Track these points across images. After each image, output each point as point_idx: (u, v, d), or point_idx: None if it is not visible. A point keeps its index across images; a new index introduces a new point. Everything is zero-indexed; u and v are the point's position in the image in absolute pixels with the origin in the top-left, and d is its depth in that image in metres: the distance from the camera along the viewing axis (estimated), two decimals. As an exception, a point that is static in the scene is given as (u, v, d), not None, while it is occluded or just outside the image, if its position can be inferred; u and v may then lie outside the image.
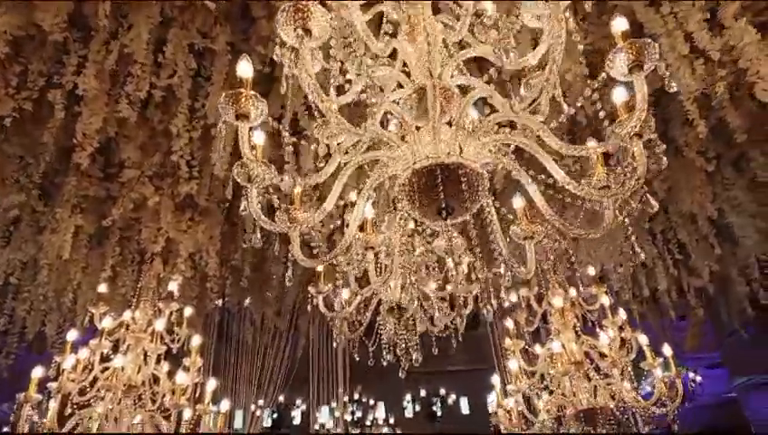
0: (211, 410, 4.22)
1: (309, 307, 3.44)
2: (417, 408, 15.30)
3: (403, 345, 3.43)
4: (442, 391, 15.21)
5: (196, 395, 4.26)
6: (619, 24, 1.72)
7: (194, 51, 3.96)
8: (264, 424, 12.18)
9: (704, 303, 6.91)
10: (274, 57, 1.75)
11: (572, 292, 4.63)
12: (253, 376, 8.15)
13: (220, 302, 6.49)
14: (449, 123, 1.91)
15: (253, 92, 1.73)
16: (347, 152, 2.03)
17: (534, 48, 2.04)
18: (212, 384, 4.27)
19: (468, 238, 2.66)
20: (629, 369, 4.14)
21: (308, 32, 1.62)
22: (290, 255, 2.03)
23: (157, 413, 4.05)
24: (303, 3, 1.66)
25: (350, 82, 2.19)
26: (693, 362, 11.96)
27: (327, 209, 1.91)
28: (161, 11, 3.75)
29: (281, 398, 10.78)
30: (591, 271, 4.66)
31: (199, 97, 4.19)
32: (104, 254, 4.99)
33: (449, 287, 3.49)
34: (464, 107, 1.88)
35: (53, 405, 3.78)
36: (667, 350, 4.08)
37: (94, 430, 3.83)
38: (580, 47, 1.81)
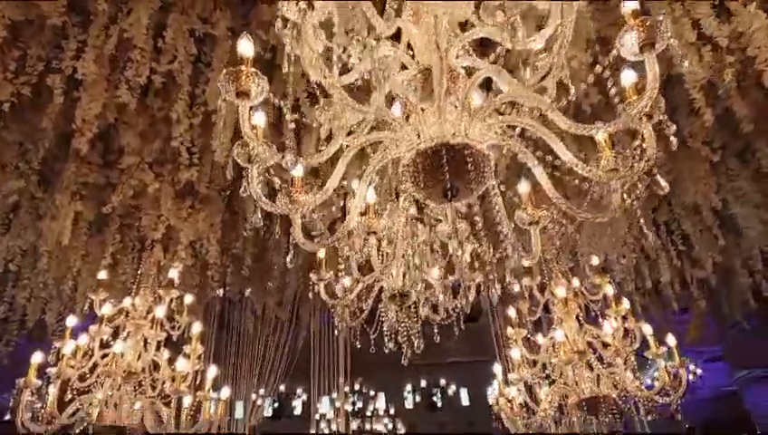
0: (211, 396, 4.20)
1: (310, 295, 3.42)
2: (418, 398, 15.35)
3: (405, 333, 3.41)
4: (442, 382, 15.26)
5: (197, 382, 4.24)
6: (630, 4, 1.68)
7: (194, 36, 3.91)
8: (265, 413, 12.22)
9: (706, 294, 6.88)
10: (275, 30, 1.70)
11: (575, 282, 4.60)
12: (254, 366, 8.15)
13: (221, 292, 6.47)
14: (455, 105, 1.88)
15: (253, 69, 1.69)
16: (350, 133, 1.99)
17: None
18: (212, 371, 4.26)
19: (472, 224, 2.62)
20: (633, 359, 4.11)
21: (311, 5, 1.58)
22: (291, 238, 2.01)
23: (157, 400, 4.04)
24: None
25: (352, 65, 2.15)
26: (693, 356, 11.94)
27: (329, 191, 1.88)
28: (161, -5, 3.71)
29: (282, 387, 10.80)
30: (595, 261, 4.63)
31: (200, 83, 4.14)
32: (104, 241, 4.96)
33: (452, 277, 3.46)
34: (470, 87, 1.84)
35: (53, 391, 3.76)
36: (671, 339, 4.05)
37: (94, 416, 3.82)
38: (591, 25, 1.77)
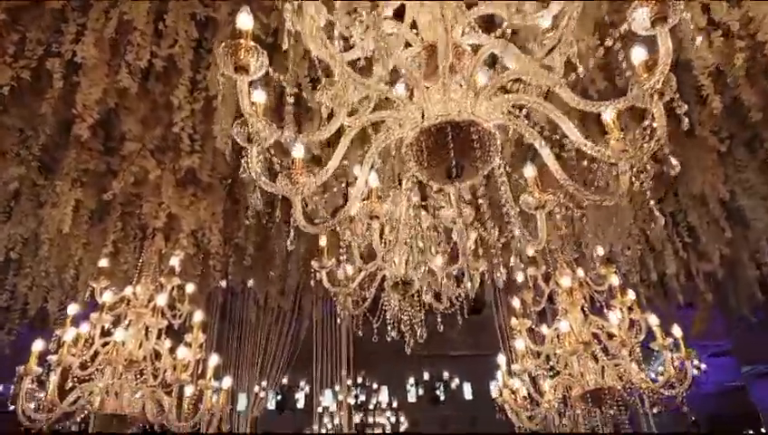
0: (213, 385, 4.18)
1: (312, 283, 3.39)
2: (421, 392, 15.34)
3: (408, 322, 3.37)
4: (445, 375, 15.24)
5: (199, 371, 4.22)
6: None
7: (195, 20, 3.85)
8: (269, 406, 12.23)
9: (712, 287, 6.82)
10: (276, 4, 1.65)
11: (580, 272, 4.55)
12: (256, 357, 8.13)
13: (224, 283, 6.44)
14: (460, 84, 1.83)
15: (253, 43, 1.64)
16: (351, 114, 1.94)
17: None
18: (214, 360, 4.23)
19: (477, 208, 2.57)
20: (638, 350, 4.06)
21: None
22: (292, 221, 1.96)
23: (158, 389, 4.01)
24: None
25: (354, 42, 2.10)
26: (697, 350, 11.90)
27: (329, 171, 1.83)
28: (162, -22, 3.66)
29: (284, 380, 10.80)
30: (600, 251, 4.57)
31: (201, 69, 4.09)
32: (105, 229, 4.93)
33: (455, 265, 3.41)
34: (476, 64, 1.79)
35: (54, 378, 3.74)
36: (677, 331, 4.00)
37: (96, 405, 3.80)
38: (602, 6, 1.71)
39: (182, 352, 3.94)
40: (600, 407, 4.02)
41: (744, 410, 10.81)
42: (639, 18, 1.59)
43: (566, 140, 1.77)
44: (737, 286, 7.19)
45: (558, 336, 4.21)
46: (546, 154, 1.88)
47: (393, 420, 12.49)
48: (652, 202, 1.68)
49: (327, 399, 10.20)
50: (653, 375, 4.97)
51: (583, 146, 1.75)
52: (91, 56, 3.67)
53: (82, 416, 3.89)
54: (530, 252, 4.30)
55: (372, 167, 2.14)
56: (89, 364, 3.94)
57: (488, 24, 2.40)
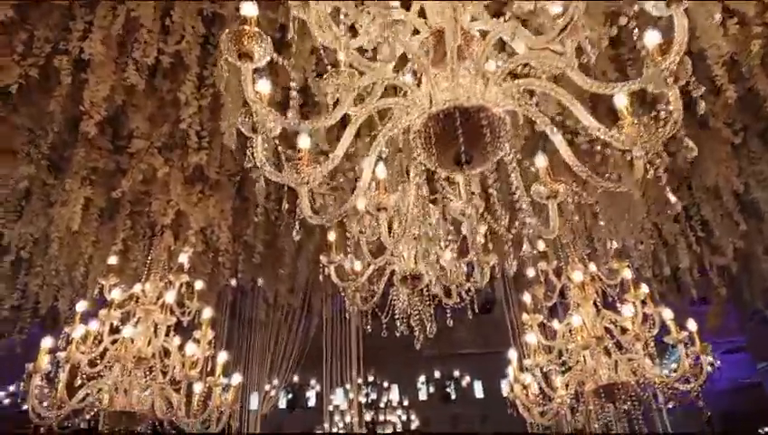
0: (222, 382, 4.16)
1: (321, 278, 3.36)
2: (432, 390, 15.30)
3: (417, 316, 3.34)
4: (456, 374, 15.19)
5: (208, 369, 4.21)
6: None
7: (202, 16, 3.84)
8: (280, 405, 12.25)
9: (726, 282, 6.72)
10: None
11: (592, 267, 4.49)
12: (266, 355, 8.13)
13: (233, 281, 6.43)
14: (468, 70, 1.79)
15: (257, 30, 1.61)
16: (355, 104, 1.91)
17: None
18: (222, 356, 4.21)
19: (486, 199, 2.53)
20: (652, 344, 4.00)
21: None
22: (297, 210, 1.93)
23: (167, 386, 4.01)
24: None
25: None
26: (711, 347, 11.78)
27: (336, 160, 1.80)
28: (168, -26, 3.65)
29: (295, 378, 10.80)
30: (613, 245, 4.52)
31: (208, 65, 4.08)
32: (115, 227, 4.93)
33: (464, 260, 3.37)
34: (485, 48, 1.75)
35: (63, 375, 3.74)
36: (692, 324, 3.92)
37: (105, 402, 3.79)
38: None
39: (191, 348, 3.93)
40: (614, 402, 3.96)
41: (760, 406, 10.66)
42: (654, -2, 1.55)
43: (579, 125, 1.72)
44: (751, 280, 7.07)
45: (570, 331, 4.15)
46: (558, 141, 1.84)
47: (404, 418, 12.46)
48: (668, 188, 1.62)
49: (338, 397, 10.18)
50: (667, 371, 4.90)
51: (596, 131, 1.70)
52: (99, 53, 3.66)
53: (92, 413, 3.89)
54: (540, 246, 4.25)
55: (380, 157, 2.10)
56: (98, 361, 3.94)
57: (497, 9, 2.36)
